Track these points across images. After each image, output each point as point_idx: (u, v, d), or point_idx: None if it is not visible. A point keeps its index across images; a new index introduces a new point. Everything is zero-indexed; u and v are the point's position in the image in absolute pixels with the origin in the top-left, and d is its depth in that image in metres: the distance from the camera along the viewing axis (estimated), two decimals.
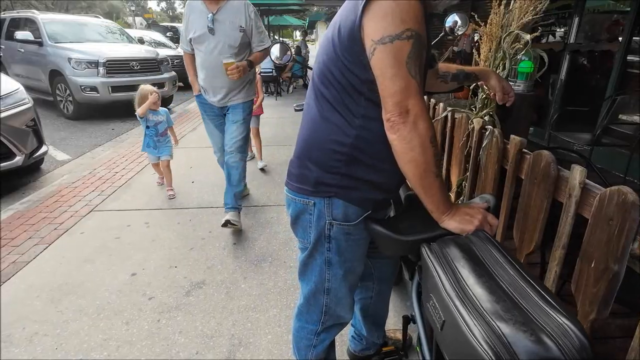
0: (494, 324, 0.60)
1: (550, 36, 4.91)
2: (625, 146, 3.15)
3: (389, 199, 1.08)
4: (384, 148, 0.90)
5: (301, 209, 1.03)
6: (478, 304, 0.65)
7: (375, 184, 0.99)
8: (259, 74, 8.44)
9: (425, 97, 2.28)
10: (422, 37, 0.81)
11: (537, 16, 1.48)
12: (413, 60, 0.81)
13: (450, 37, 1.69)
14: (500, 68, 1.59)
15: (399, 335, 1.59)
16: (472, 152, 1.66)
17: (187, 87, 10.71)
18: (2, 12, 7.86)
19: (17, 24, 6.98)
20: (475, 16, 1.64)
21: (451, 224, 0.89)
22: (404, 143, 0.83)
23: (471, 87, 1.69)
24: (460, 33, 1.65)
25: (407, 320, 1.29)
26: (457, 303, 0.66)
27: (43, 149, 3.70)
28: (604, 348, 1.42)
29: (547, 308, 0.61)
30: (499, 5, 1.56)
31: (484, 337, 0.58)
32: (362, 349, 1.53)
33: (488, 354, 0.56)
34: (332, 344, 1.28)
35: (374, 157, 0.95)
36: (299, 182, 1.02)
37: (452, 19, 1.63)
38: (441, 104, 2.03)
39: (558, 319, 0.58)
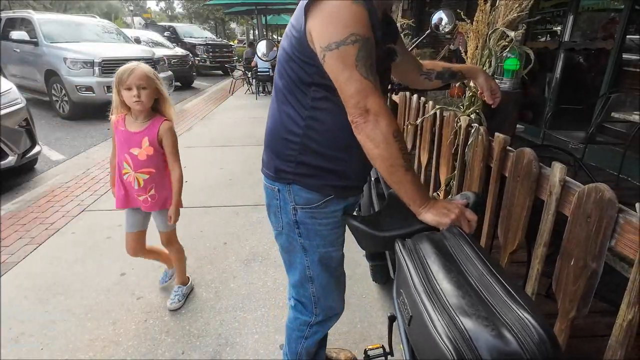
0: (457, 319, 0.61)
1: (546, 34, 4.90)
2: (619, 144, 3.15)
3: (354, 186, 1.08)
4: (335, 138, 0.96)
5: (270, 194, 1.09)
6: (444, 299, 0.66)
7: (332, 171, 1.01)
8: (257, 72, 8.50)
9: (415, 95, 2.27)
10: (369, 39, 0.83)
11: (523, 13, 1.47)
12: (362, 62, 0.83)
13: (435, 33, 1.67)
14: (487, 65, 1.58)
15: (342, 356, 1.58)
16: (459, 150, 1.66)
17: (183, 86, 10.72)
18: None
19: (13, 23, 6.97)
20: (462, 13, 1.63)
21: (428, 216, 0.90)
22: (369, 141, 0.86)
23: (456, 85, 1.68)
24: (446, 30, 1.64)
25: (393, 318, 1.28)
26: (424, 298, 0.67)
27: (36, 149, 3.69)
28: (592, 346, 1.42)
29: (510, 303, 0.62)
30: (485, 2, 1.55)
31: (446, 332, 0.59)
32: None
33: (448, 348, 0.57)
34: (323, 340, 1.29)
35: (325, 146, 0.98)
36: (266, 168, 1.08)
37: (438, 15, 1.63)
38: (430, 102, 2.02)
39: (520, 313, 0.59)
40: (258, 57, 2.01)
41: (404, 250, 0.83)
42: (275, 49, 2.26)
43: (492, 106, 1.36)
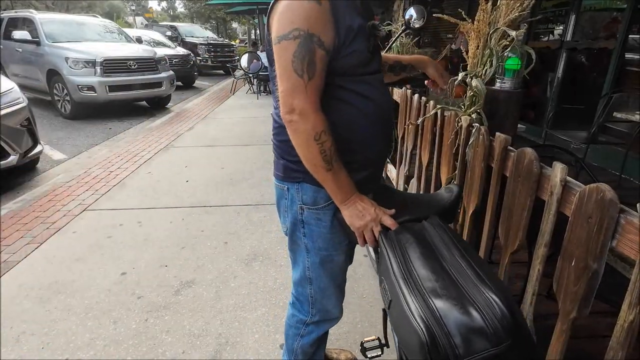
0: (430, 300, 0.67)
1: (548, 34, 4.88)
2: (621, 144, 3.13)
3: (362, 178, 1.04)
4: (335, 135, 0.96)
5: (280, 194, 1.10)
6: (420, 283, 0.72)
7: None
8: (259, 71, 8.48)
9: (416, 95, 2.26)
10: (313, 35, 0.83)
11: (524, 12, 1.46)
12: (300, 59, 0.84)
13: (410, 29, 1.71)
14: (488, 65, 1.57)
15: (343, 357, 1.58)
16: (460, 149, 1.65)
17: (185, 86, 10.71)
18: (1, 12, 7.87)
19: (15, 23, 7.00)
20: (463, 13, 1.62)
21: (345, 213, 0.97)
22: (293, 140, 0.91)
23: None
24: (416, 26, 1.65)
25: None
26: (402, 283, 0.74)
27: (38, 148, 3.70)
28: (594, 347, 1.41)
29: (479, 284, 0.68)
30: (486, 2, 1.55)
31: (419, 312, 0.65)
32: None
33: (420, 326, 0.63)
34: (321, 340, 1.29)
35: None
36: (276, 168, 1.10)
37: (409, 12, 1.64)
38: (431, 102, 2.02)
39: (486, 293, 0.66)
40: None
41: (386, 240, 0.89)
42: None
43: (441, 89, 1.39)
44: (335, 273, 1.16)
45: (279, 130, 1.04)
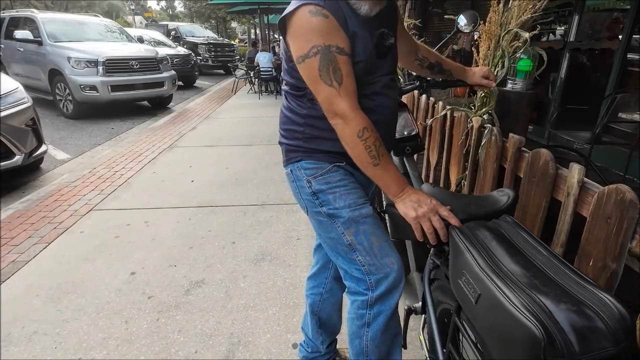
0: (534, 295, 0.61)
1: (550, 34, 4.89)
2: (625, 144, 3.15)
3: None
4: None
5: (289, 179, 1.17)
6: (515, 278, 0.66)
7: (336, 152, 1.05)
8: (260, 71, 8.48)
9: (424, 95, 2.27)
10: (330, 46, 0.91)
11: (536, 14, 1.47)
12: (325, 71, 0.92)
13: (459, 35, 1.72)
14: (499, 66, 1.58)
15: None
16: (471, 150, 1.66)
17: (186, 86, 10.71)
18: (2, 11, 7.85)
19: (16, 23, 6.98)
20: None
21: (399, 206, 0.97)
22: (342, 141, 0.97)
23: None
24: (467, 31, 1.65)
25: (410, 311, 1.29)
26: (494, 277, 0.68)
27: (42, 148, 3.70)
28: None
29: (584, 283, 0.64)
30: (498, 3, 1.56)
31: (525, 306, 0.60)
32: (305, 355, 1.48)
33: (532, 320, 0.58)
34: (394, 336, 1.13)
35: (327, 129, 1.02)
36: (283, 156, 1.18)
37: (461, 18, 1.64)
38: (440, 103, 2.03)
39: (597, 292, 0.61)
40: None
41: (463, 236, 0.83)
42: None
43: (490, 78, 1.40)
44: (371, 225, 1.07)
45: (284, 119, 1.14)
